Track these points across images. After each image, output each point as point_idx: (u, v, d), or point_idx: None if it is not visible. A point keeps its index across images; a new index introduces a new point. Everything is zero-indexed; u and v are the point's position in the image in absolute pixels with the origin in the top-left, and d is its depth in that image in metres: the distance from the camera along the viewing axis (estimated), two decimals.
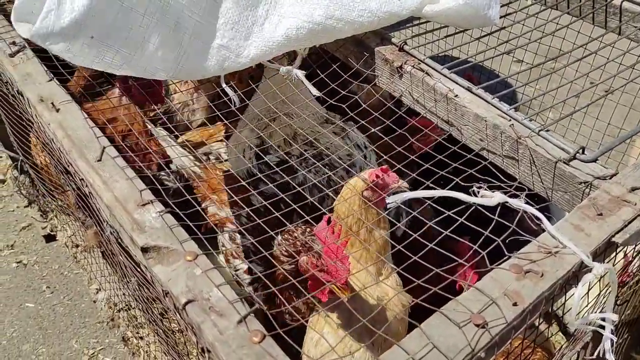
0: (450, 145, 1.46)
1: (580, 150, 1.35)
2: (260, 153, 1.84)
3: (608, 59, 1.70)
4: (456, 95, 1.53)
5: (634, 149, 2.62)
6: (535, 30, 1.78)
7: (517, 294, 1.07)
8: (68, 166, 1.44)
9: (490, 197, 1.24)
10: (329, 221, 1.53)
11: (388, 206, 1.33)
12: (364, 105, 1.67)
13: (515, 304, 1.05)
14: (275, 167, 1.55)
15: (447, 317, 1.02)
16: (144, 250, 1.17)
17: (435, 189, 1.32)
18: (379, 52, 1.69)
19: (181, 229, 1.20)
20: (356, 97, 1.68)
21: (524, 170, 1.45)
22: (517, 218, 1.20)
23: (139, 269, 1.31)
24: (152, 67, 1.56)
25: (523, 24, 1.78)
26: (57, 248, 2.91)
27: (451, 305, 1.05)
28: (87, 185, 1.36)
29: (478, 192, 1.26)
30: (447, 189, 1.32)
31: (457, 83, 1.56)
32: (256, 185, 1.97)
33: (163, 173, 2.10)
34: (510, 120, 1.45)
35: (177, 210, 1.24)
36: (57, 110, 1.50)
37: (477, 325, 1.01)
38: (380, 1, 1.61)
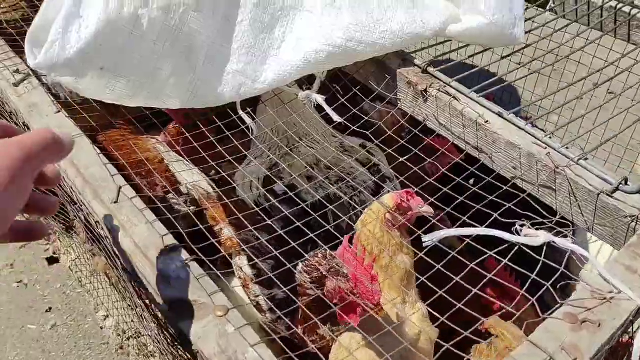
0: (484, 176, 1.39)
1: (623, 181, 1.28)
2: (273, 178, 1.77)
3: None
4: (487, 121, 1.45)
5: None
6: (563, 46, 1.71)
7: (575, 347, 1.00)
8: (82, 205, 1.36)
9: (536, 237, 1.17)
10: (350, 241, 1.47)
11: (424, 245, 1.26)
12: (379, 123, 1.61)
13: None
14: (288, 192, 1.49)
15: None
16: (170, 304, 1.10)
17: (473, 224, 1.26)
18: (402, 74, 1.61)
19: (209, 280, 1.12)
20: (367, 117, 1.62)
21: (562, 200, 1.38)
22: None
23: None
24: (165, 95, 1.48)
25: (549, 40, 1.71)
26: (58, 266, 2.83)
27: None
28: (102, 229, 1.28)
29: (521, 230, 1.19)
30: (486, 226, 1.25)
31: (486, 108, 1.48)
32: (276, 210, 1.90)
33: (172, 196, 2.02)
34: (546, 148, 1.38)
35: (192, 245, 1.18)
36: None
37: None
38: (402, 22, 1.53)
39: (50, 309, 2.67)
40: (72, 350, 2.50)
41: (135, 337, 2.40)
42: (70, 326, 2.61)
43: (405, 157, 1.56)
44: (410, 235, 1.67)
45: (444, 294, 1.15)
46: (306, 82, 1.64)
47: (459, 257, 1.27)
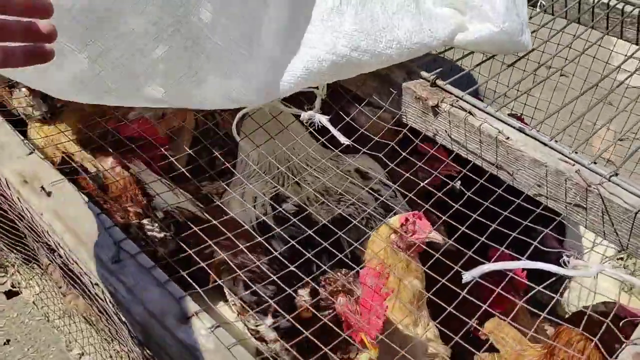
0: (496, 189, 1.30)
1: None
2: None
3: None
4: (508, 138, 1.37)
5: (596, 139, 2.57)
6: (569, 48, 1.64)
7: None
8: (72, 264, 1.19)
9: (587, 268, 1.10)
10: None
11: (464, 282, 1.16)
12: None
13: None
14: (292, 217, 1.37)
15: None
16: None
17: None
18: (408, 88, 1.50)
19: (241, 348, 0.99)
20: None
21: (593, 219, 1.31)
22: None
23: None
24: (149, 79, 1.25)
25: (558, 44, 1.64)
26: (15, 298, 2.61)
27: None
28: (103, 292, 1.12)
29: (568, 261, 1.12)
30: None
31: (506, 123, 1.40)
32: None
33: (146, 221, 1.84)
34: (574, 165, 1.30)
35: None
36: (49, 195, 1.24)
37: None
38: (410, 31, 1.42)
39: (8, 341, 2.45)
40: None
41: None
42: (33, 358, 2.41)
43: (396, 163, 1.48)
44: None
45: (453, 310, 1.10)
46: (306, 101, 1.51)
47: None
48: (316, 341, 1.24)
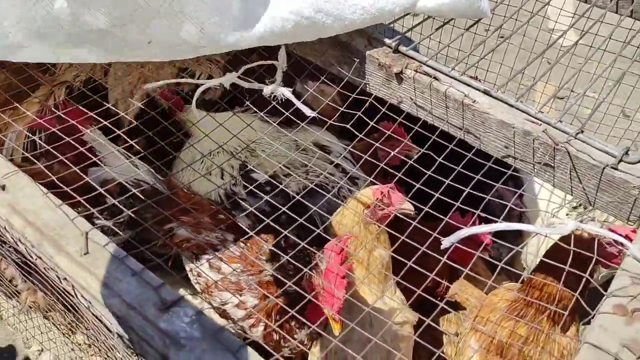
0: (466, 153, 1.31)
1: (625, 152, 1.25)
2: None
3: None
4: (474, 101, 1.36)
5: (536, 93, 2.64)
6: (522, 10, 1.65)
7: (636, 342, 0.96)
8: (36, 259, 1.12)
9: (563, 226, 1.11)
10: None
11: (442, 247, 1.16)
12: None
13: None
14: (264, 186, 1.34)
15: None
16: None
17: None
18: (371, 56, 1.47)
19: (229, 334, 0.96)
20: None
21: (561, 176, 1.33)
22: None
23: None
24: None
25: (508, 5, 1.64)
26: None
27: None
28: (73, 287, 1.06)
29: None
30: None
31: (471, 86, 1.39)
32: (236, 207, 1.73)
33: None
34: (541, 124, 1.32)
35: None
36: (3, 188, 1.15)
37: None
38: None
39: None
40: None
41: None
42: None
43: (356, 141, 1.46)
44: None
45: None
46: (266, 74, 1.46)
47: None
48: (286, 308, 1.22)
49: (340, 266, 1.32)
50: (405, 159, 1.58)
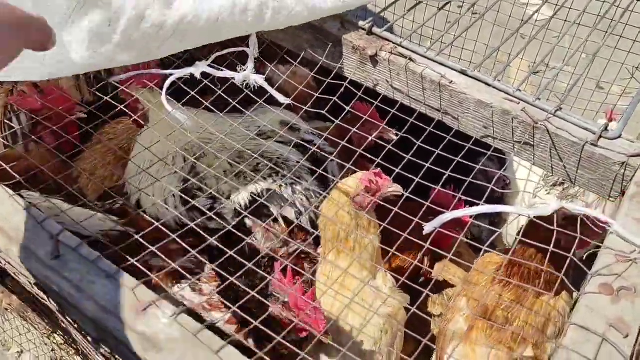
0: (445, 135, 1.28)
1: (604, 128, 1.24)
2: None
3: None
4: (451, 82, 1.34)
5: (512, 70, 2.64)
6: None
7: (622, 321, 0.95)
8: (5, 264, 1.07)
9: (546, 206, 1.10)
10: (284, 269, 1.28)
11: (424, 233, 1.14)
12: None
13: (627, 336, 0.93)
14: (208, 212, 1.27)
15: None
16: None
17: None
18: (345, 39, 1.44)
19: (210, 333, 0.93)
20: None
21: (541, 155, 1.32)
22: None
23: None
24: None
25: None
26: None
27: (563, 356, 0.91)
28: (45, 292, 1.02)
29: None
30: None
31: (447, 67, 1.37)
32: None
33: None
34: (519, 103, 1.30)
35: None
36: None
37: None
38: None
39: None
40: None
41: None
42: None
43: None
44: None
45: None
46: (238, 62, 1.42)
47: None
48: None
49: (301, 295, 1.24)
50: (381, 142, 1.56)
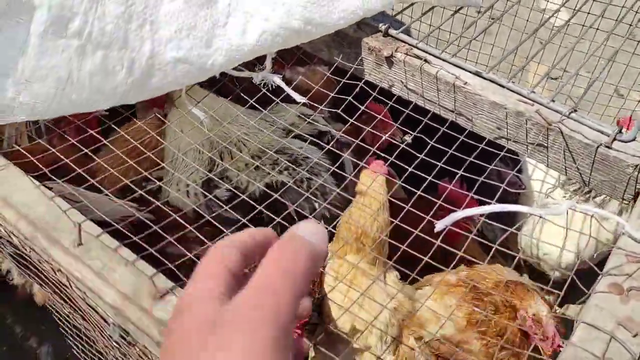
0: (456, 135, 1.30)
1: (619, 130, 1.25)
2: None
3: None
4: (465, 83, 1.36)
5: (529, 74, 2.64)
6: None
7: (631, 320, 0.96)
8: (29, 251, 1.11)
9: (558, 206, 1.11)
10: None
11: (435, 231, 1.16)
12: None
13: (635, 335, 0.94)
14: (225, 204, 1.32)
15: None
16: None
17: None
18: (361, 40, 1.46)
19: None
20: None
21: (555, 157, 1.33)
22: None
23: None
24: (90, 98, 1.24)
25: None
26: None
27: (571, 352, 0.93)
28: (68, 279, 1.06)
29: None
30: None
31: (462, 68, 1.38)
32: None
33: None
34: (534, 104, 1.31)
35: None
36: None
37: None
38: None
39: None
40: None
41: None
42: None
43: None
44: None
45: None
46: (256, 61, 1.45)
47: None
48: None
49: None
50: (395, 141, 1.58)
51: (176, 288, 0.99)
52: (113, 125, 1.52)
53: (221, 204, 1.39)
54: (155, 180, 1.44)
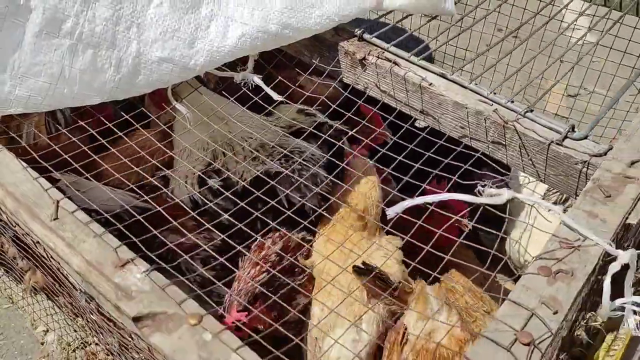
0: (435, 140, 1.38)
1: (571, 129, 1.31)
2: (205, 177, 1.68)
3: None
4: (430, 84, 1.44)
5: (554, 95, 2.66)
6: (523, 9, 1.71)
7: (554, 299, 1.01)
8: (14, 225, 1.23)
9: (499, 195, 1.17)
10: None
11: (389, 217, 1.23)
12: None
13: (556, 312, 1.00)
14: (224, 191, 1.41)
15: (494, 342, 0.95)
16: (137, 319, 1.02)
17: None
18: (338, 44, 1.56)
19: (175, 288, 1.05)
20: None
21: (512, 154, 1.39)
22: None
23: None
24: (81, 93, 1.37)
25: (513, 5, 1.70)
26: None
27: (492, 325, 0.98)
28: (45, 249, 1.17)
29: (483, 190, 1.19)
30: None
31: (428, 70, 1.47)
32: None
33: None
34: (492, 104, 1.38)
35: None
36: None
37: (526, 344, 0.95)
38: (339, 5, 1.47)
39: None
40: None
41: (81, 348, 2.27)
42: (1, 346, 2.43)
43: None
44: None
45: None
46: (239, 62, 1.56)
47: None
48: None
49: None
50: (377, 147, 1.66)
51: (137, 259, 1.09)
52: (129, 118, 1.62)
53: (221, 192, 1.48)
54: (164, 169, 1.55)
